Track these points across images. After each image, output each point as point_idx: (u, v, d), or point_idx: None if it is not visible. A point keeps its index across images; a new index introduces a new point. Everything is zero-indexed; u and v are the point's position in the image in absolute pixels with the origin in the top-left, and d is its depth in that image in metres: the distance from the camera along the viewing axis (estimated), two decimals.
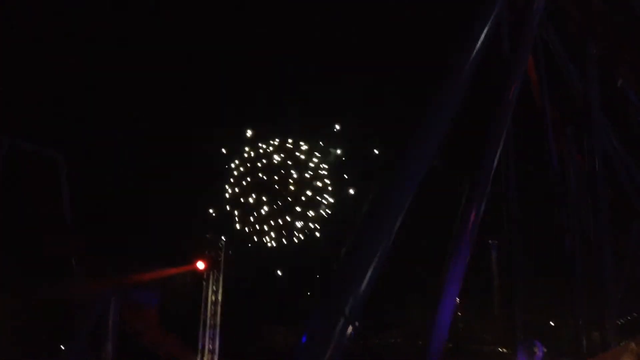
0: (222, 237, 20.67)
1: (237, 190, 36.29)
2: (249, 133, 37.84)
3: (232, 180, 36.63)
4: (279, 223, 35.59)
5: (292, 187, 36.36)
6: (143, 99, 34.52)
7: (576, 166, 21.29)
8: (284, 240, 35.41)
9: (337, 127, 38.64)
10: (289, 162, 37.42)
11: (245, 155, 37.36)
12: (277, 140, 37.92)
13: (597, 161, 16.98)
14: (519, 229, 17.97)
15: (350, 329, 7.99)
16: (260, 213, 35.42)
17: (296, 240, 35.92)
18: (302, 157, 37.86)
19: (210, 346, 18.52)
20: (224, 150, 37.55)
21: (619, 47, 15.94)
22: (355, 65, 37.34)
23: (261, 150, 37.37)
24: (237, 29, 36.84)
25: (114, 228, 28.93)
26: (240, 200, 35.87)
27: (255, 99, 36.82)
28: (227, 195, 35.92)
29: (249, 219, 35.64)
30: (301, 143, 38.36)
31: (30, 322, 21.38)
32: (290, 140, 37.98)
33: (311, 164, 38.02)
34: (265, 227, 35.71)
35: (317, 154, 38.27)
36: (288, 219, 36.15)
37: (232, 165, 36.96)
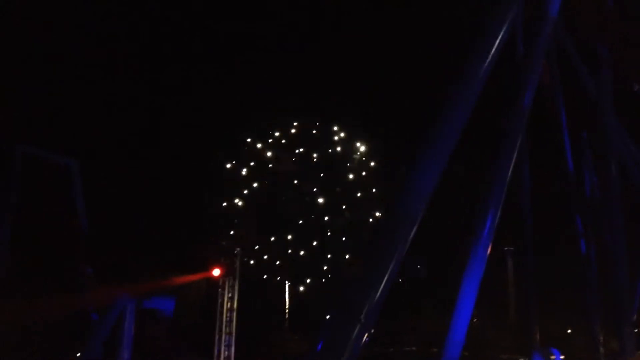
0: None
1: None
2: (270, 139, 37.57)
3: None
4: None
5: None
6: (160, 106, 34.82)
7: (592, 171, 21.15)
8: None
9: (342, 134, 38.35)
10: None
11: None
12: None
13: (612, 166, 16.83)
14: (534, 236, 17.86)
15: (365, 335, 8.00)
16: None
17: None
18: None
19: (226, 353, 18.52)
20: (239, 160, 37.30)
21: (633, 51, 15.84)
22: (365, 72, 37.53)
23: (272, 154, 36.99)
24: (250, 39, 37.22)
25: (129, 235, 29.07)
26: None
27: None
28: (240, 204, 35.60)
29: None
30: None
31: (46, 330, 21.51)
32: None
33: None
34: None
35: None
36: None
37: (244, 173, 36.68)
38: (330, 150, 37.49)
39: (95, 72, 31.82)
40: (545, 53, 14.08)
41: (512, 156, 11.92)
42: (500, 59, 9.79)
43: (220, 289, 18.72)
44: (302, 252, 34.50)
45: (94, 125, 31.60)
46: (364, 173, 37.86)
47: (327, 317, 8.19)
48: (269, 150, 36.67)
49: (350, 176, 37.27)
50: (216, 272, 19.41)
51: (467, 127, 9.51)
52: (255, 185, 35.47)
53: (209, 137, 35.58)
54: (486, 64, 9.40)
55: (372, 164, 38.40)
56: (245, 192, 35.45)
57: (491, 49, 9.39)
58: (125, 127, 33.39)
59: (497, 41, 9.46)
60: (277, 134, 37.32)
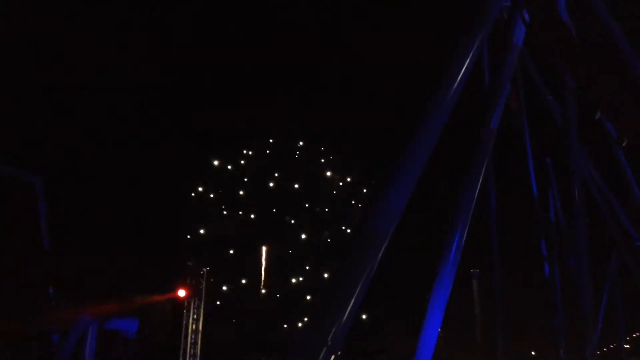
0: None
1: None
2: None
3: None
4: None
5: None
6: (122, 122, 34.49)
7: (555, 195, 21.61)
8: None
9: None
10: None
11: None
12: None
13: (576, 190, 17.20)
14: (500, 258, 18.12)
15: (332, 358, 7.97)
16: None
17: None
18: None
19: None
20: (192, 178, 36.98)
21: (595, 81, 16.31)
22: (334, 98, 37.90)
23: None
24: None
25: (93, 254, 28.53)
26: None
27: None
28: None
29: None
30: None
31: (6, 351, 20.90)
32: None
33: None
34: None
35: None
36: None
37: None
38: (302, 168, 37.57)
39: (60, 87, 31.44)
40: (511, 79, 14.40)
41: (479, 179, 12.11)
42: (468, 84, 10.00)
43: (185, 310, 18.40)
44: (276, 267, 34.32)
45: (58, 142, 31.14)
46: (337, 191, 38.00)
47: (294, 339, 8.15)
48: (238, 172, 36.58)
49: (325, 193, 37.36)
50: (181, 292, 19.10)
51: (435, 149, 9.65)
52: (223, 210, 35.22)
53: (175, 157, 35.37)
54: (452, 91, 9.58)
55: (348, 179, 38.57)
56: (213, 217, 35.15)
57: (458, 76, 9.59)
58: (90, 145, 32.99)
59: (464, 68, 9.66)
60: (250, 152, 37.30)
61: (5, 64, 27.41)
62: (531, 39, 13.98)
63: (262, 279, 33.36)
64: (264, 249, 33.72)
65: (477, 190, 12.08)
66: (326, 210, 36.96)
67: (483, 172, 12.26)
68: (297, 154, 38.00)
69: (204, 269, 18.17)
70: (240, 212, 35.26)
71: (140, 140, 35.00)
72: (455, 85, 9.61)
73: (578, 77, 13.84)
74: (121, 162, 33.96)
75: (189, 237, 34.28)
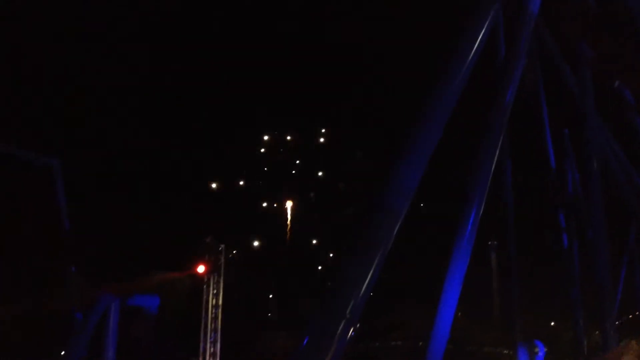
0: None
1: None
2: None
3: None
4: None
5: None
6: (139, 104, 34.59)
7: (573, 166, 21.40)
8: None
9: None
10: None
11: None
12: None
13: (594, 162, 17.04)
14: (517, 231, 18.05)
15: (351, 331, 8.05)
16: None
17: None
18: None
19: (212, 349, 18.47)
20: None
21: (614, 48, 16.04)
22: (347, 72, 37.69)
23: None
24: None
25: (113, 234, 28.87)
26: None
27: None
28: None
29: None
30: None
31: (30, 329, 21.35)
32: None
33: None
34: None
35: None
36: None
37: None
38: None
39: (77, 71, 31.53)
40: (527, 51, 14.20)
41: (495, 153, 12.03)
42: (483, 57, 9.88)
43: (205, 286, 18.65)
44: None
45: (76, 124, 31.34)
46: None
47: (313, 312, 8.23)
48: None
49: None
50: (201, 268, 19.32)
51: (450, 124, 9.58)
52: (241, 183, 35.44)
53: (193, 134, 35.49)
54: (468, 62, 9.46)
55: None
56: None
57: (472, 47, 9.46)
58: (107, 126, 33.14)
59: (479, 39, 9.53)
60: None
61: (21, 48, 27.53)
62: (548, 7, 13.73)
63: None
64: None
65: (494, 163, 12.01)
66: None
67: (500, 144, 12.18)
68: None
69: (222, 245, 18.37)
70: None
71: (158, 119, 35.14)
72: (470, 56, 9.48)
73: (595, 46, 13.61)
74: (138, 142, 34.14)
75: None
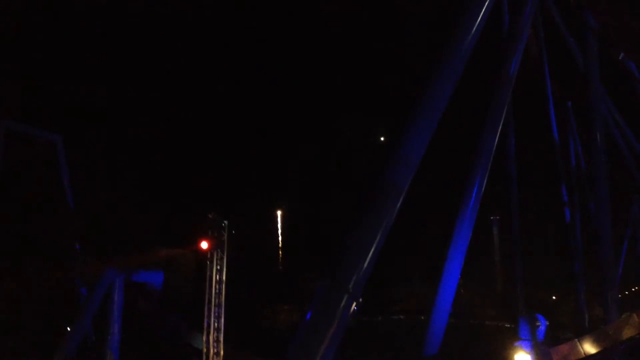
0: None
1: None
2: None
3: None
4: None
5: None
6: (141, 79, 34.38)
7: (577, 139, 21.29)
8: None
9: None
10: None
11: None
12: None
13: (598, 135, 16.92)
14: (519, 204, 18.02)
15: (354, 304, 8.08)
16: None
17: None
18: None
19: (216, 324, 18.62)
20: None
21: (619, 20, 15.81)
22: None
23: None
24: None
25: (117, 209, 28.94)
26: None
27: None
28: None
29: None
30: None
31: (36, 304, 21.54)
32: None
33: None
34: None
35: None
36: None
37: None
38: None
39: (79, 47, 31.31)
40: (531, 22, 14.02)
41: (498, 125, 11.97)
42: (487, 28, 9.74)
43: (208, 262, 18.73)
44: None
45: (78, 100, 31.22)
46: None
47: (316, 287, 8.25)
48: None
49: None
50: (204, 244, 19.38)
51: (454, 97, 9.49)
52: None
53: (199, 111, 35.41)
54: (472, 34, 9.33)
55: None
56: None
57: (477, 18, 9.32)
58: (109, 103, 33.01)
59: (483, 10, 9.39)
60: None
61: (27, 25, 27.35)
62: None
63: None
64: None
65: (497, 136, 11.96)
66: None
67: (503, 117, 12.10)
68: None
69: (225, 221, 18.40)
70: None
71: (160, 96, 34.97)
72: (474, 28, 9.34)
73: (601, 17, 13.42)
74: (141, 118, 34.04)
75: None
